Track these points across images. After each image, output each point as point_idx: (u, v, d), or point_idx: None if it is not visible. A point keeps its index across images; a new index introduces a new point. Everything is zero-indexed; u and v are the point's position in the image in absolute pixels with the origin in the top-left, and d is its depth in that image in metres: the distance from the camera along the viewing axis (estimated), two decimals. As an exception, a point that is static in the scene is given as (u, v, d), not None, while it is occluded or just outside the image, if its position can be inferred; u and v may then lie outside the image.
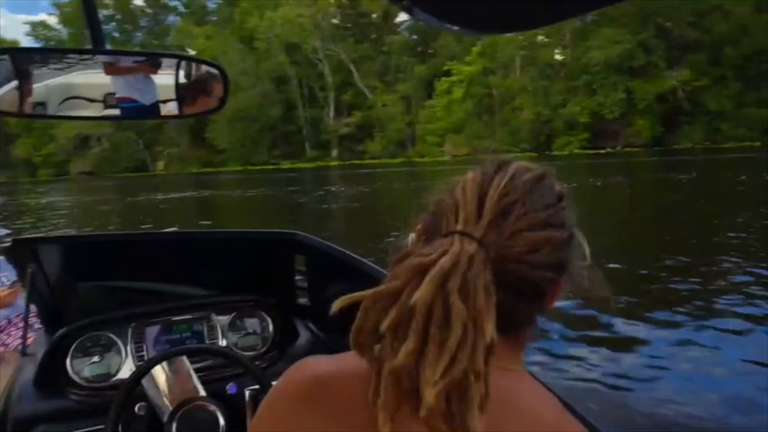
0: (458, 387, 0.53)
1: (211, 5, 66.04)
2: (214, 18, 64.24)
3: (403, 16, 58.69)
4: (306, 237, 2.05)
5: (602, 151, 43.44)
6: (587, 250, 0.71)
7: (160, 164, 58.06)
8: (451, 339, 0.53)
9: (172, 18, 66.03)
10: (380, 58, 56.67)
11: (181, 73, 1.20)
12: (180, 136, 56.58)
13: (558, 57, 50.29)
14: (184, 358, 1.55)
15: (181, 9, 65.81)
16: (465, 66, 50.85)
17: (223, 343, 1.87)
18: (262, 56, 54.21)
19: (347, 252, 1.89)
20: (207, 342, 1.85)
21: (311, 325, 2.05)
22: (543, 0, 0.26)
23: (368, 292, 0.58)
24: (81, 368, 1.69)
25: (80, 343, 1.71)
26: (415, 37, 58.64)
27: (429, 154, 50.31)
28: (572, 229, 0.67)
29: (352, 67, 55.08)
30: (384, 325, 0.56)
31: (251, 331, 1.94)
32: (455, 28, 0.30)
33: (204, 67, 1.27)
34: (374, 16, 58.54)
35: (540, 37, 49.86)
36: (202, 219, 16.81)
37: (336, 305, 0.58)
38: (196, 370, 1.58)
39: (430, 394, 0.52)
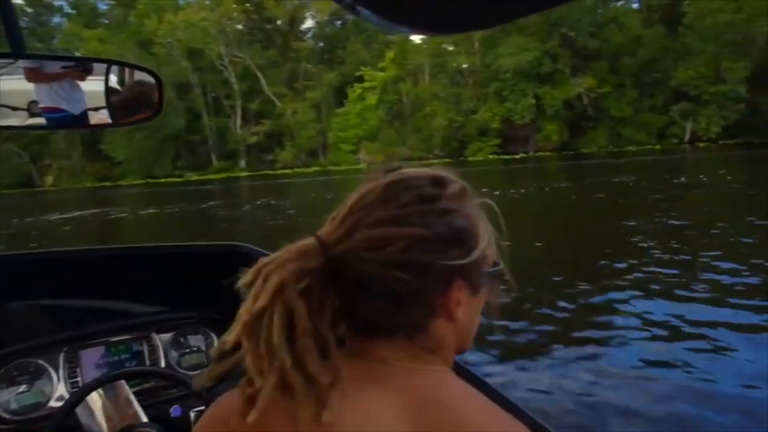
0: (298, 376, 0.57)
1: (102, 6, 61.27)
2: (106, 21, 59.59)
3: (309, 23, 57.19)
4: (250, 249, 1.97)
5: (517, 156, 44.10)
6: (482, 250, 0.67)
7: (49, 179, 52.85)
8: (274, 331, 0.57)
9: (57, 19, 60.53)
10: (288, 65, 54.77)
11: (113, 79, 1.17)
12: (71, 148, 51.72)
13: (465, 65, 50.70)
14: (123, 381, 1.48)
15: (68, 9, 60.43)
16: (379, 72, 50.19)
17: (164, 363, 1.81)
18: (163, 62, 50.56)
19: None
20: (148, 363, 1.79)
21: None
22: (491, 1, 0.26)
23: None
24: (6, 400, 1.59)
25: (4, 372, 1.62)
26: (321, 44, 57.38)
27: (344, 162, 49.16)
28: (446, 231, 0.64)
29: (260, 74, 52.75)
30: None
31: (195, 348, 1.88)
32: (401, 28, 0.30)
33: (137, 73, 1.24)
34: (279, 22, 56.53)
35: (447, 45, 50.19)
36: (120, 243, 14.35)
37: (230, 340, 0.62)
38: (137, 394, 1.53)
39: (264, 394, 0.57)
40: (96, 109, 1.14)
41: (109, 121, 1.16)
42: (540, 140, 46.23)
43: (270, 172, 49.04)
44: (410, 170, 0.69)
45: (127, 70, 1.22)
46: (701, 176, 19.70)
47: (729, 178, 18.97)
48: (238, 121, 53.39)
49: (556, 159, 39.64)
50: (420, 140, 48.09)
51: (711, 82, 42.91)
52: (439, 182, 0.68)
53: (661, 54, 45.14)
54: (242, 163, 53.02)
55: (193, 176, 49.58)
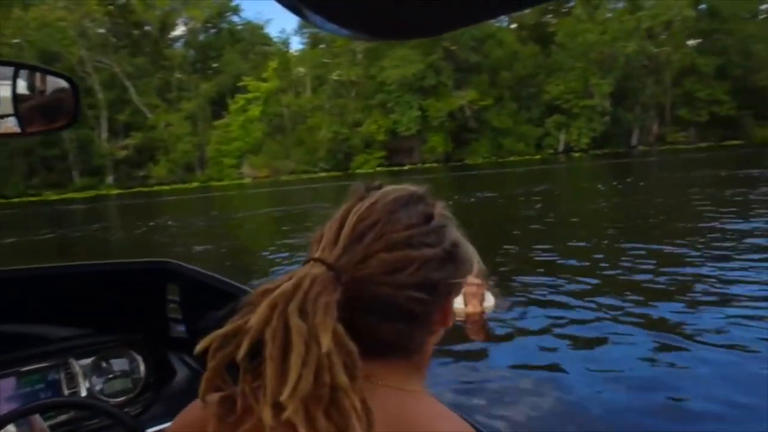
0: (317, 402, 0.54)
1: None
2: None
3: (181, 29, 53.52)
4: (179, 265, 1.90)
5: (406, 168, 43.88)
6: (476, 266, 0.71)
7: None
8: (293, 356, 0.55)
9: None
10: (159, 74, 50.80)
11: (21, 84, 1.08)
12: None
13: (348, 77, 49.91)
14: (37, 415, 1.30)
15: None
16: (262, 83, 47.98)
17: (85, 391, 1.69)
18: (11, 66, 44.87)
19: (223, 278, 1.80)
20: (65, 392, 1.66)
21: (188, 359, 1.91)
22: (443, 6, 0.25)
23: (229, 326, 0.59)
24: None
25: None
26: (193, 52, 53.83)
27: (226, 176, 46.35)
28: (449, 247, 0.66)
29: (128, 83, 48.42)
30: (239, 356, 0.57)
31: (119, 373, 1.77)
32: (347, 32, 0.29)
33: (50, 78, 1.14)
34: (149, 27, 52.15)
35: (328, 58, 49.24)
36: None
37: (200, 346, 0.60)
38: (55, 427, 1.46)
39: (267, 414, 0.54)
40: (2, 116, 1.05)
41: (17, 130, 1.07)
42: (425, 151, 46.48)
43: (144, 188, 45.05)
44: (394, 188, 0.69)
45: (38, 75, 1.12)
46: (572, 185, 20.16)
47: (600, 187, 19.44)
48: (104, 134, 48.45)
49: (442, 170, 39.91)
50: (304, 153, 46.59)
51: (580, 96, 45.85)
52: (427, 199, 0.69)
53: (535, 69, 47.55)
54: (110, 179, 48.10)
55: (52, 195, 44.14)
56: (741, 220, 9.81)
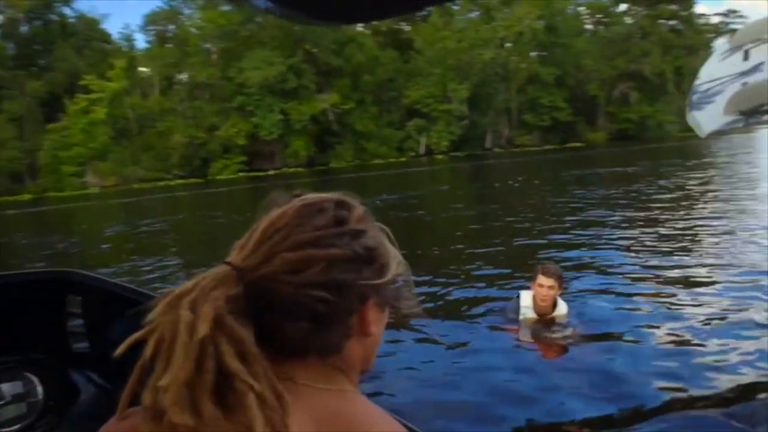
0: (202, 388, 0.55)
1: None
2: None
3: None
4: (81, 274, 1.76)
5: (271, 173, 42.21)
6: (395, 268, 0.71)
7: None
8: (177, 345, 0.56)
9: None
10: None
11: None
12: None
13: (186, 78, 46.88)
14: None
15: None
16: (108, 83, 43.31)
17: None
18: None
19: (130, 286, 1.68)
20: None
21: (94, 376, 1.78)
22: None
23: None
24: None
25: None
26: (13, 45, 46.87)
27: (67, 186, 41.15)
28: (361, 250, 0.67)
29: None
30: (146, 357, 0.58)
31: (10, 398, 1.59)
32: (302, 17, 0.27)
33: None
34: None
35: (180, 57, 46.06)
36: None
37: (119, 349, 0.59)
38: None
39: (148, 398, 0.55)
40: None
41: None
42: (288, 156, 45.18)
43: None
44: (315, 195, 0.71)
45: None
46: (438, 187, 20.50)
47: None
48: None
49: (306, 175, 38.99)
50: (155, 159, 43.00)
51: (439, 101, 47.56)
52: (344, 205, 0.70)
53: (395, 74, 48.46)
54: None
55: None
56: (585, 214, 11.37)
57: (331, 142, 46.37)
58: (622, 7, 58.98)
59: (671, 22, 57.46)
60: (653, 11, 56.23)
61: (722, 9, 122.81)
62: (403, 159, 46.10)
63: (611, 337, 4.49)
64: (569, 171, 23.42)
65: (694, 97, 4.79)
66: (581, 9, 59.12)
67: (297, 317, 0.63)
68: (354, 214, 0.69)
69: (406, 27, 55.44)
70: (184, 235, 15.06)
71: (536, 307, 4.47)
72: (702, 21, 59.41)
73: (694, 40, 55.99)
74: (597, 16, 59.90)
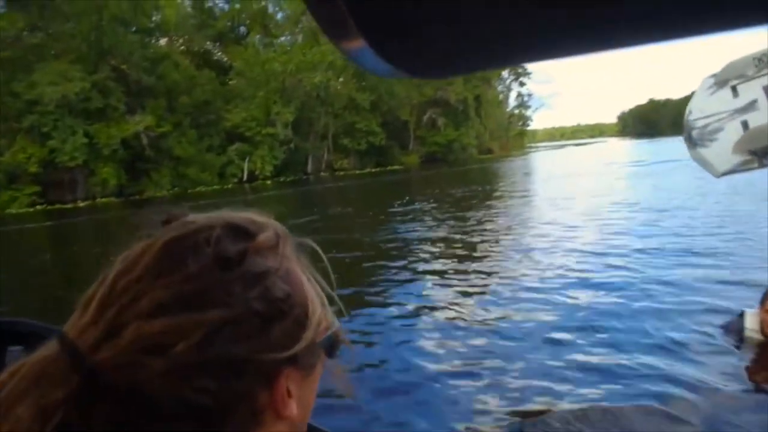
0: None
1: None
2: None
3: None
4: (31, 325, 1.32)
5: (76, 205, 36.16)
6: (319, 319, 0.51)
7: None
8: None
9: None
10: None
11: None
12: None
13: None
14: None
15: None
16: None
17: None
18: None
19: None
20: None
21: None
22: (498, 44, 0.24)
23: None
24: None
25: None
26: None
27: None
28: (262, 304, 0.46)
29: None
30: None
31: None
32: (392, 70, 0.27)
33: None
34: None
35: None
36: None
37: None
38: None
39: None
40: None
41: None
42: (94, 185, 39.42)
43: None
44: (197, 217, 0.50)
45: None
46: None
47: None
48: None
49: (117, 206, 34.35)
50: None
51: (263, 124, 45.98)
52: (238, 232, 0.48)
53: (214, 96, 45.70)
54: None
55: None
56: (411, 231, 13.09)
57: (145, 169, 41.65)
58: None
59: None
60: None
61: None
62: (227, 185, 43.53)
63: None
64: (391, 190, 24.42)
65: (694, 133, 4.97)
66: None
67: (170, 419, 0.42)
68: (257, 243, 0.48)
69: (214, 49, 53.19)
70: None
71: (764, 330, 4.32)
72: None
73: (488, 73, 63.13)
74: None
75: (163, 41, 47.83)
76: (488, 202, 18.06)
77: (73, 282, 11.88)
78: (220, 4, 54.12)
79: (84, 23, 38.52)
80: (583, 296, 6.41)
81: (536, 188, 23.81)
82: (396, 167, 53.37)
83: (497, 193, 21.53)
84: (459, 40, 0.23)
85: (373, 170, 51.25)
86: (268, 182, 44.65)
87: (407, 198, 21.57)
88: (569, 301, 6.31)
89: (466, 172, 36.67)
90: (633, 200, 15.21)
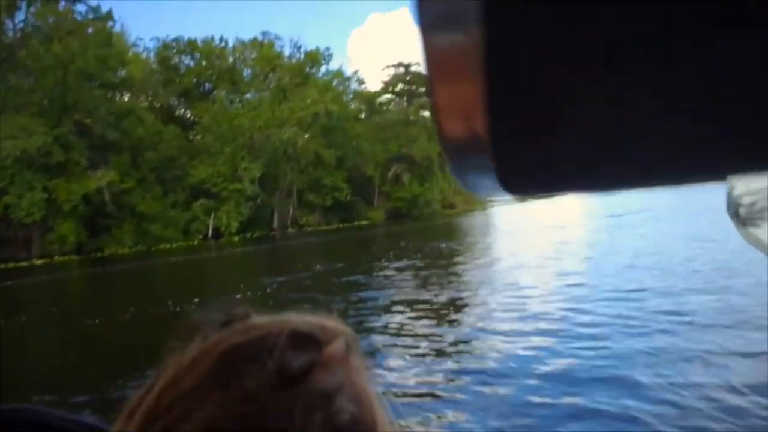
0: None
1: None
2: None
3: None
4: (38, 413, 1.18)
5: (32, 263, 34.26)
6: None
7: None
8: None
9: None
10: None
11: None
12: None
13: None
14: None
15: None
16: None
17: None
18: None
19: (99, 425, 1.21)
20: None
21: None
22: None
23: None
24: None
25: None
26: None
27: None
28: (321, 426, 0.39)
29: None
30: None
31: None
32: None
33: None
34: None
35: None
36: None
37: None
38: None
39: None
40: None
41: None
42: (51, 242, 37.67)
43: None
44: (260, 321, 0.45)
45: None
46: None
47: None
48: None
49: (76, 265, 32.84)
50: None
51: (229, 180, 45.43)
52: (308, 340, 0.43)
53: (179, 151, 45.13)
54: None
55: None
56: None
57: (106, 225, 40.21)
58: (386, 96, 65.86)
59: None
60: (413, 104, 63.60)
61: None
62: (192, 242, 42.38)
63: None
64: (363, 245, 24.53)
65: (742, 210, 5.02)
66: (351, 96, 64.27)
67: None
68: (323, 357, 0.42)
69: (179, 105, 53.07)
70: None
71: None
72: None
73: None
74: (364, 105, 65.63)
75: (127, 96, 47.38)
76: (455, 259, 18.78)
77: (27, 353, 10.72)
78: (186, 61, 54.28)
79: (48, 77, 37.82)
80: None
81: (495, 243, 24.77)
82: (362, 222, 53.30)
83: (460, 248, 22.14)
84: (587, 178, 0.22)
85: (340, 226, 51.02)
86: (235, 238, 43.77)
87: (374, 254, 21.77)
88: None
89: (432, 228, 36.96)
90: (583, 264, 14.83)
